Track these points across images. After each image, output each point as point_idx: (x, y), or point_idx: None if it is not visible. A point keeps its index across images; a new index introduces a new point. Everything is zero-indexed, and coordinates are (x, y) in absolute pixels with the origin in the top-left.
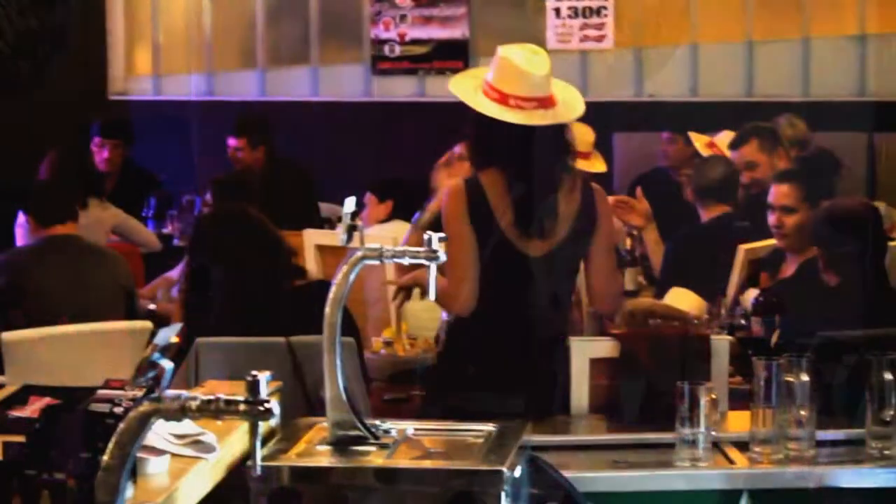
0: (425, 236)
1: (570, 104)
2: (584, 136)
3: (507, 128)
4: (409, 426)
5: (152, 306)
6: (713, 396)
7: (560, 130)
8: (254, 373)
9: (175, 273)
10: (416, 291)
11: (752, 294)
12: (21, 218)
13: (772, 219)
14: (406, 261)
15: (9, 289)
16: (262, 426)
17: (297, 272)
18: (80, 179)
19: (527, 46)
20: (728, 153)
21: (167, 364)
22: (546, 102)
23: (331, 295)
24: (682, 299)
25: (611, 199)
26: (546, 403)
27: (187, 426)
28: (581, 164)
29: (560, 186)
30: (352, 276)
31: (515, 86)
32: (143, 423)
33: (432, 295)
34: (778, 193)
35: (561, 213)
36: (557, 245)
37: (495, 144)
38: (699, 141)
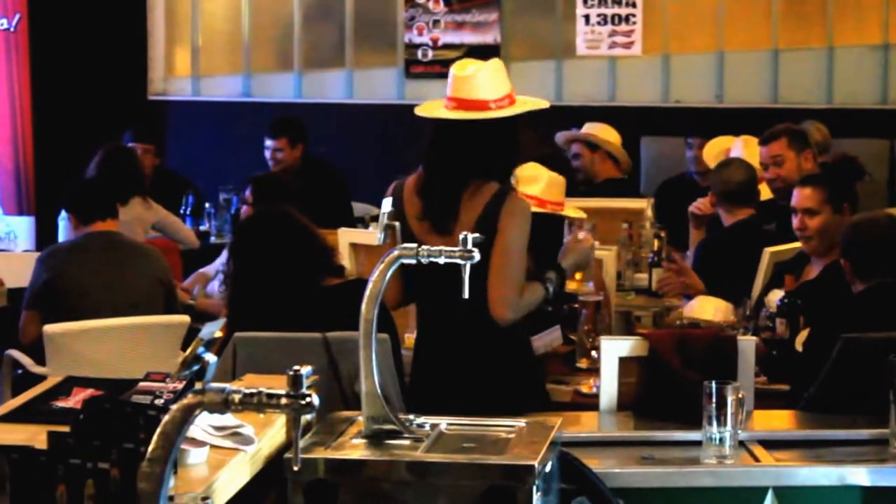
0: (460, 236)
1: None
2: (555, 186)
3: (428, 131)
4: (443, 421)
5: (190, 301)
6: (740, 396)
7: (485, 139)
8: (296, 367)
9: (211, 269)
10: None
11: (776, 296)
12: (63, 214)
13: (795, 222)
14: (442, 260)
15: (51, 283)
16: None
17: (336, 271)
18: (126, 177)
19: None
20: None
21: (211, 358)
22: (470, 105)
23: (367, 292)
24: (708, 308)
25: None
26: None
27: (227, 418)
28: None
29: (464, 189)
30: (388, 275)
31: (450, 89)
32: (188, 414)
33: (465, 293)
34: (801, 196)
35: (461, 216)
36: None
37: (423, 144)
38: (715, 148)
